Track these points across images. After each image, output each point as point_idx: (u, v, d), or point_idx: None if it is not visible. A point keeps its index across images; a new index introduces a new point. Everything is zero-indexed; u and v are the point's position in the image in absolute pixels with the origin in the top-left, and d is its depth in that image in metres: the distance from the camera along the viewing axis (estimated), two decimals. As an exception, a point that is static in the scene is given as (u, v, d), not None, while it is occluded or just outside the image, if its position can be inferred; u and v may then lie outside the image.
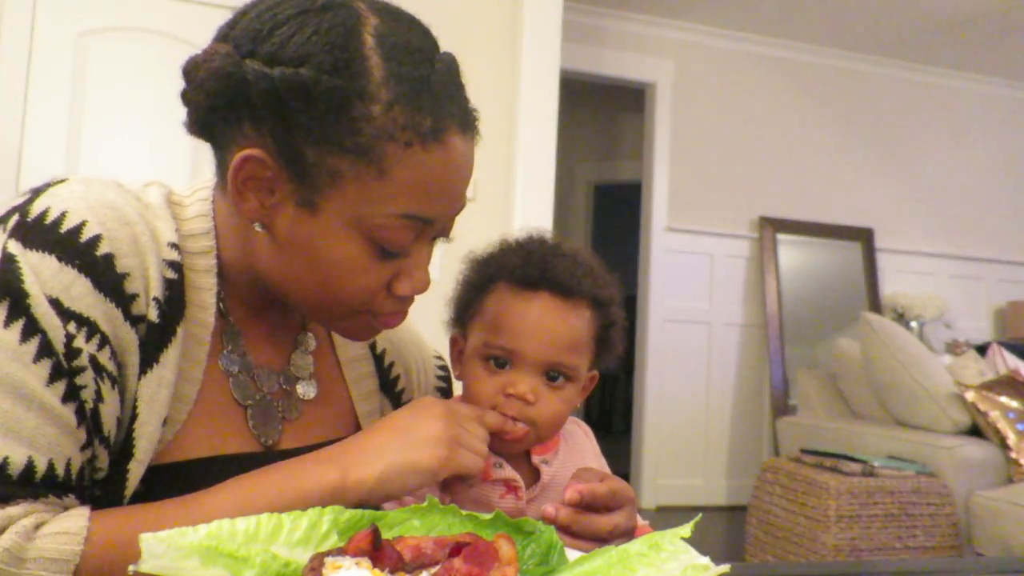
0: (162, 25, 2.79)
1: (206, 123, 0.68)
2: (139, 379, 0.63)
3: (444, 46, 0.71)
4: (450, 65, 0.69)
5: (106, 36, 2.76)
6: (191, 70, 0.65)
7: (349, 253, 0.66)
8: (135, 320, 0.63)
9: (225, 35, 0.67)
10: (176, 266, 0.67)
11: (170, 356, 0.65)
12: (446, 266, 2.79)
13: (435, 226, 0.70)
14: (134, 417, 0.63)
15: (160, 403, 0.64)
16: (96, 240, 0.61)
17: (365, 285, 0.68)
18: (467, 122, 0.69)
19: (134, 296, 0.63)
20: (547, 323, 0.77)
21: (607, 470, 0.89)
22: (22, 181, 2.65)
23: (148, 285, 0.64)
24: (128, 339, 0.62)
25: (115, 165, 2.71)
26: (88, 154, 2.72)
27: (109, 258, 0.61)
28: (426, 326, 1.00)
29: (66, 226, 0.61)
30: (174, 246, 0.68)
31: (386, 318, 0.73)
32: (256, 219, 0.68)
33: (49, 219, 0.61)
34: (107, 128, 2.74)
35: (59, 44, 2.70)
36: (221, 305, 0.74)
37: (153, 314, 0.64)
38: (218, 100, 0.64)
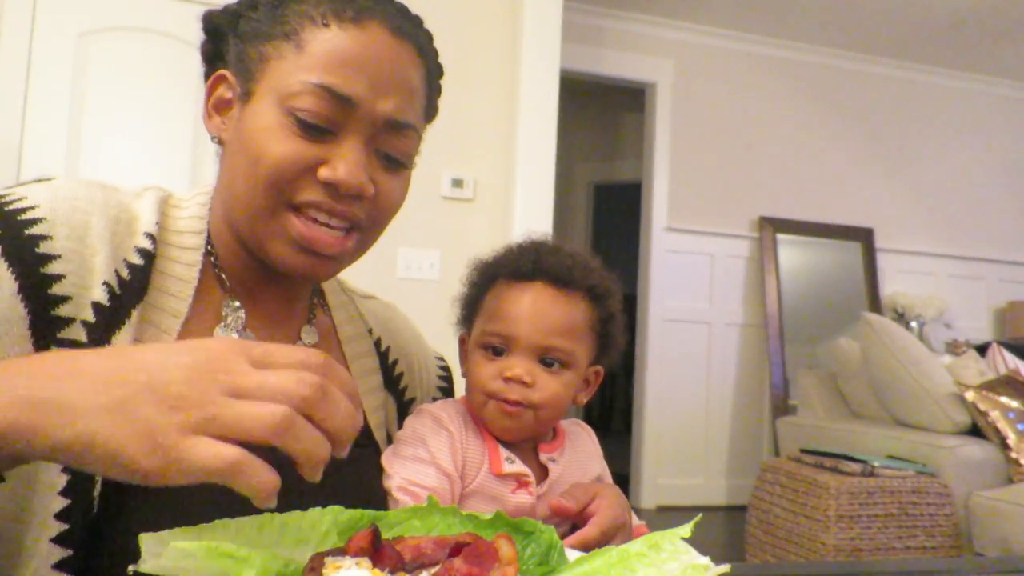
0: (162, 25, 2.79)
1: (211, 68, 0.77)
2: None
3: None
4: (403, 5, 0.75)
5: (106, 36, 2.76)
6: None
7: (270, 123, 0.69)
8: (43, 299, 0.63)
9: None
10: (145, 254, 0.70)
11: (122, 338, 0.66)
12: (446, 267, 2.80)
13: (359, 113, 0.70)
14: None
15: None
16: (33, 221, 0.65)
17: (282, 154, 0.68)
18: (403, 30, 0.73)
19: (57, 277, 0.64)
20: (540, 309, 0.80)
21: (607, 474, 0.90)
22: (22, 181, 2.65)
23: (89, 270, 0.66)
24: (14, 313, 0.62)
25: (115, 165, 2.71)
26: (88, 154, 2.72)
27: (35, 239, 0.64)
28: (427, 327, 1.00)
29: (15, 206, 0.65)
30: (150, 236, 0.71)
31: (312, 229, 0.70)
32: (217, 134, 0.75)
33: (6, 198, 0.66)
34: (107, 128, 2.74)
35: (59, 44, 2.70)
36: (224, 280, 0.76)
37: (102, 296, 0.66)
38: (208, 43, 0.77)
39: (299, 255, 0.71)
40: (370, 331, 0.89)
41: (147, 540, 0.47)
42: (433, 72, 0.78)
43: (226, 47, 0.75)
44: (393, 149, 0.73)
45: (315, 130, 0.69)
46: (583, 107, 5.60)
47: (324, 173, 0.69)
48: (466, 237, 2.88)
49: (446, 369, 0.99)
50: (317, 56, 0.69)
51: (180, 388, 0.45)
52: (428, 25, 0.78)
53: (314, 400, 0.46)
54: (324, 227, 0.71)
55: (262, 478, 0.44)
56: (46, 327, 0.63)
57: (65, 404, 0.44)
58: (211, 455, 0.43)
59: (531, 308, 0.79)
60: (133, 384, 0.45)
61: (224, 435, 0.44)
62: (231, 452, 0.43)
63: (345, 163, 0.69)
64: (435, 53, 0.78)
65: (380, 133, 0.71)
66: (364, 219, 0.73)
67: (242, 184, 0.71)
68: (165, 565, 0.45)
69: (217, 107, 0.75)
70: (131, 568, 0.46)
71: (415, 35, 0.74)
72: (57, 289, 0.64)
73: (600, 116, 5.81)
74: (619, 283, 0.86)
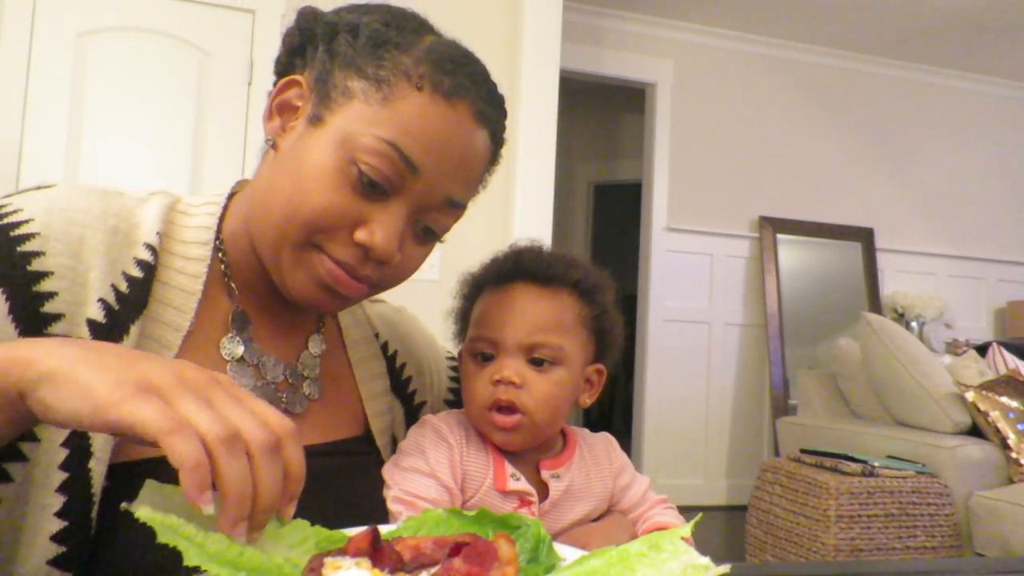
0: (162, 25, 2.79)
1: (287, 62, 0.75)
2: None
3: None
4: (495, 86, 0.74)
5: (106, 36, 2.76)
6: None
7: (329, 164, 0.68)
8: (36, 318, 0.62)
9: None
10: (145, 265, 0.68)
11: None
12: (446, 267, 2.80)
13: (419, 185, 0.69)
14: None
15: None
16: (26, 237, 0.63)
17: (329, 202, 0.67)
18: (486, 116, 0.71)
19: (49, 295, 0.63)
20: (521, 307, 0.78)
21: (632, 486, 0.86)
22: (22, 181, 2.65)
23: (83, 286, 0.64)
24: (4, 334, 0.61)
25: (115, 165, 2.71)
26: (88, 154, 2.72)
27: (27, 256, 0.63)
28: (434, 328, 1.00)
29: (8, 220, 0.64)
30: (149, 247, 0.69)
31: (336, 273, 0.70)
32: (271, 136, 0.73)
33: (1, 212, 0.64)
34: (107, 128, 2.74)
35: (59, 44, 2.70)
36: (233, 289, 0.75)
37: (97, 313, 0.64)
38: (296, 37, 0.74)
39: (317, 291, 0.71)
40: (377, 335, 0.88)
41: (149, 487, 0.49)
42: (496, 157, 0.77)
43: (312, 54, 0.72)
44: (437, 224, 0.73)
45: (370, 187, 0.67)
46: (583, 107, 5.60)
47: (361, 236, 0.68)
48: (466, 237, 2.86)
49: (457, 370, 0.97)
50: (401, 116, 0.67)
51: (152, 371, 0.48)
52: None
53: (264, 447, 0.48)
54: (348, 273, 0.70)
55: (191, 449, 0.44)
56: None
57: (36, 357, 0.48)
58: (158, 409, 0.45)
59: (513, 308, 0.78)
60: (105, 354, 0.49)
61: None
62: (175, 414, 0.46)
63: (384, 231, 0.68)
64: (503, 137, 0.77)
65: (431, 208, 0.71)
66: (378, 279, 0.72)
67: (279, 208, 0.69)
68: (144, 515, 0.46)
69: (280, 109, 0.73)
70: (124, 505, 0.47)
71: (495, 121, 0.73)
72: (50, 307, 0.63)
73: (600, 116, 5.80)
74: (611, 279, 0.84)
